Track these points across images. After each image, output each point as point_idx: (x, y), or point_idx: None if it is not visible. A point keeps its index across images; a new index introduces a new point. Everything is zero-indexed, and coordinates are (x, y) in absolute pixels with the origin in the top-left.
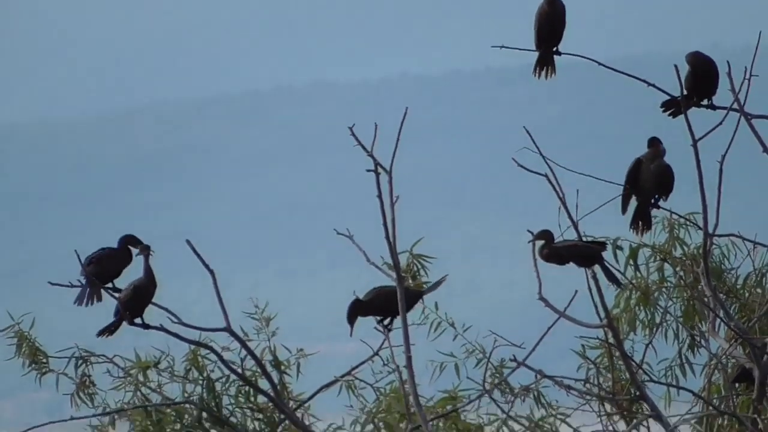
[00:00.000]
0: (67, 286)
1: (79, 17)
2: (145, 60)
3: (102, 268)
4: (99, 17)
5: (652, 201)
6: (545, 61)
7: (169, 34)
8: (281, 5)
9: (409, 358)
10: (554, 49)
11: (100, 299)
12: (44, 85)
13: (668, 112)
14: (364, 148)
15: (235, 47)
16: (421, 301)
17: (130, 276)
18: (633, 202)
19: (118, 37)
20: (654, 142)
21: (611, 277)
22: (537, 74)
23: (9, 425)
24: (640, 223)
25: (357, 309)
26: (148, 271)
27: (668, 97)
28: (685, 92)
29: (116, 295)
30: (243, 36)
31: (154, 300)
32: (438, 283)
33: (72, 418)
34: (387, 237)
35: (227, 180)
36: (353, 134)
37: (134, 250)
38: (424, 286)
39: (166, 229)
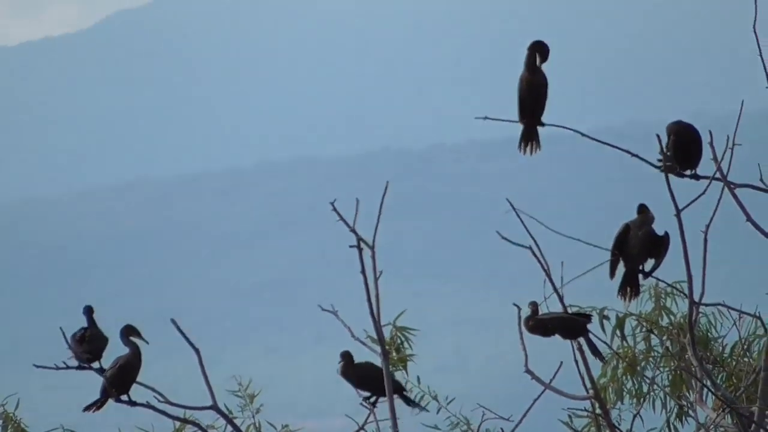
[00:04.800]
0: (53, 368)
1: (60, 93)
2: (127, 137)
3: (94, 347)
4: (80, 93)
5: (641, 268)
6: (530, 136)
7: (151, 111)
8: (261, 81)
9: None
10: (538, 120)
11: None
12: (24, 164)
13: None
14: (346, 223)
15: (218, 123)
16: (405, 374)
17: (116, 352)
18: (621, 269)
19: (99, 115)
20: (643, 209)
21: (595, 350)
22: (522, 150)
23: None
24: (628, 289)
25: (346, 374)
26: (134, 349)
27: (654, 168)
28: (665, 160)
29: (103, 373)
30: (226, 112)
31: (139, 379)
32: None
33: None
34: (371, 312)
35: (211, 257)
36: (335, 210)
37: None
38: (408, 359)
39: (151, 308)
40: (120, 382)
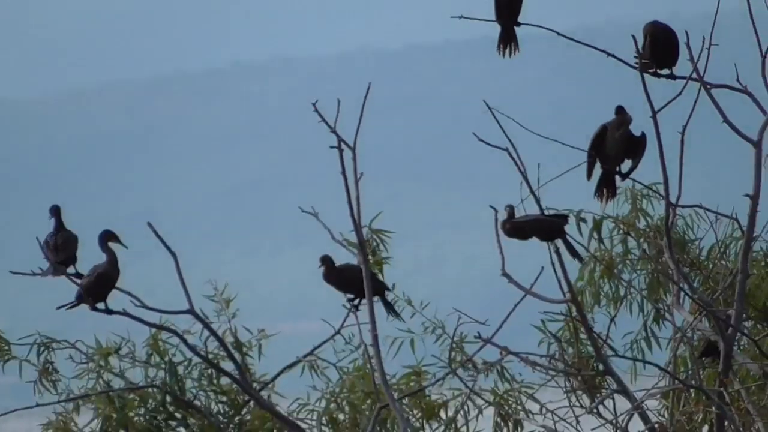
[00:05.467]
0: (29, 274)
1: None
2: (101, 39)
3: (68, 253)
4: None
5: (618, 169)
6: (508, 37)
7: (126, 13)
8: None
9: (375, 336)
10: (515, 20)
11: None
12: None
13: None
14: (327, 124)
15: (193, 24)
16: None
17: (89, 253)
18: (598, 170)
19: (72, 17)
20: (620, 110)
21: (573, 251)
22: (501, 52)
23: None
24: (605, 190)
25: (329, 278)
26: (112, 257)
27: (630, 67)
28: (642, 60)
29: (79, 281)
30: (201, 12)
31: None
32: (396, 313)
33: (37, 405)
34: (352, 214)
35: (188, 159)
36: (317, 111)
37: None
38: (384, 262)
39: (127, 211)
40: (97, 291)
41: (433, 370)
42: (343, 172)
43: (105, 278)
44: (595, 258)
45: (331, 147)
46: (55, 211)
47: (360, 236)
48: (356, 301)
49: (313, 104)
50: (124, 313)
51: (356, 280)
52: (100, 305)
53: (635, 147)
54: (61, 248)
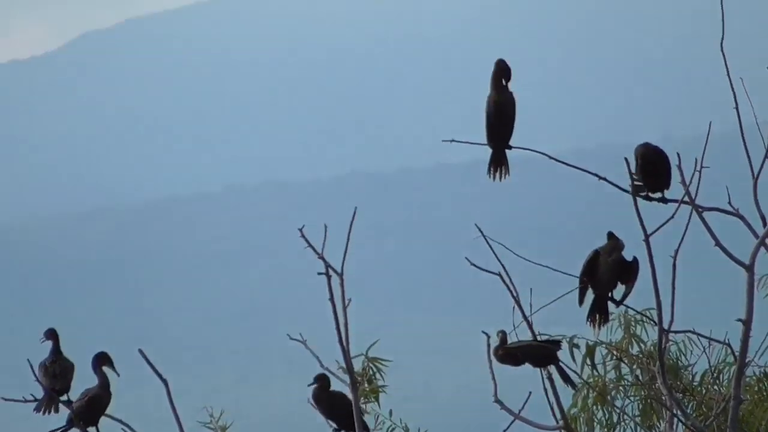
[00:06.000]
0: (21, 401)
1: (27, 117)
2: (95, 163)
3: (65, 383)
4: (48, 117)
5: (610, 295)
6: (499, 160)
7: (120, 135)
8: (229, 104)
9: None
10: (506, 143)
11: (57, 411)
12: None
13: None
14: (314, 250)
15: (186, 148)
16: (376, 406)
17: (84, 377)
18: (590, 295)
19: (67, 140)
20: (612, 236)
21: (566, 377)
22: (492, 175)
23: None
24: (598, 316)
25: (319, 399)
26: (104, 381)
27: (622, 190)
28: (634, 183)
29: (71, 405)
30: (192, 136)
31: (108, 410)
32: None
33: None
34: (340, 341)
35: (179, 284)
36: (303, 236)
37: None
38: (380, 390)
39: (120, 335)
40: (88, 415)
41: None
42: (331, 299)
43: (96, 402)
44: (588, 384)
45: (319, 273)
46: (52, 334)
47: (348, 363)
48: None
49: (300, 230)
50: None
51: (344, 408)
52: (92, 430)
53: (627, 272)
54: (60, 376)
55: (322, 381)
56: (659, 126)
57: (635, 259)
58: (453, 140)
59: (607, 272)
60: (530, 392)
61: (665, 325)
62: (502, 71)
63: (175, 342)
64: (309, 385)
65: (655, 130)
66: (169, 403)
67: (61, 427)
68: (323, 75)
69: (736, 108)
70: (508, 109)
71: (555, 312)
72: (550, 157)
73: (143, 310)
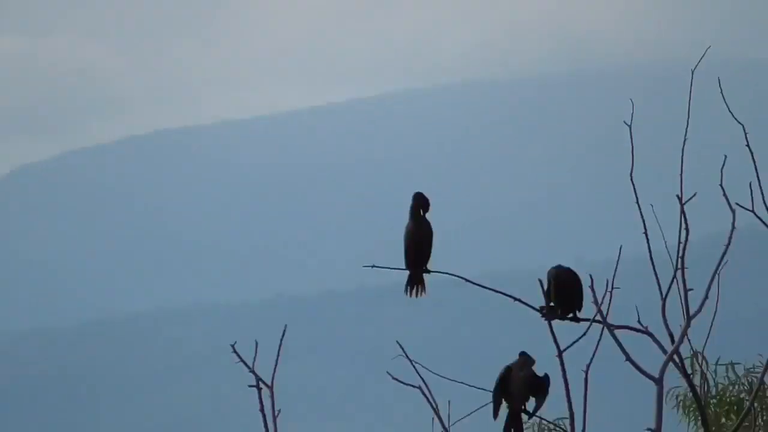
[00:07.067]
0: None
1: None
2: (24, 288)
3: None
4: None
5: (523, 407)
6: (416, 281)
7: (50, 261)
8: (162, 230)
9: None
10: (423, 267)
11: None
12: None
13: (547, 317)
14: (246, 364)
15: (117, 271)
16: None
17: None
18: (504, 409)
19: None
20: (524, 353)
21: None
22: (409, 293)
23: None
24: (512, 430)
25: None
26: None
27: (534, 310)
28: (550, 304)
29: None
30: (123, 258)
31: None
32: None
33: None
34: None
35: (113, 405)
36: (235, 351)
37: None
38: None
39: None
40: None
41: None
42: (261, 410)
43: None
44: None
45: (250, 386)
46: None
47: None
48: None
49: (232, 345)
50: None
51: None
52: None
53: (539, 387)
54: None
55: None
56: (572, 250)
57: (546, 375)
58: (374, 266)
59: (519, 386)
60: None
61: None
62: (419, 204)
63: None
64: None
65: (568, 254)
66: None
67: None
68: (249, 199)
69: (645, 233)
70: (425, 239)
71: (473, 425)
72: (467, 280)
73: (76, 427)
